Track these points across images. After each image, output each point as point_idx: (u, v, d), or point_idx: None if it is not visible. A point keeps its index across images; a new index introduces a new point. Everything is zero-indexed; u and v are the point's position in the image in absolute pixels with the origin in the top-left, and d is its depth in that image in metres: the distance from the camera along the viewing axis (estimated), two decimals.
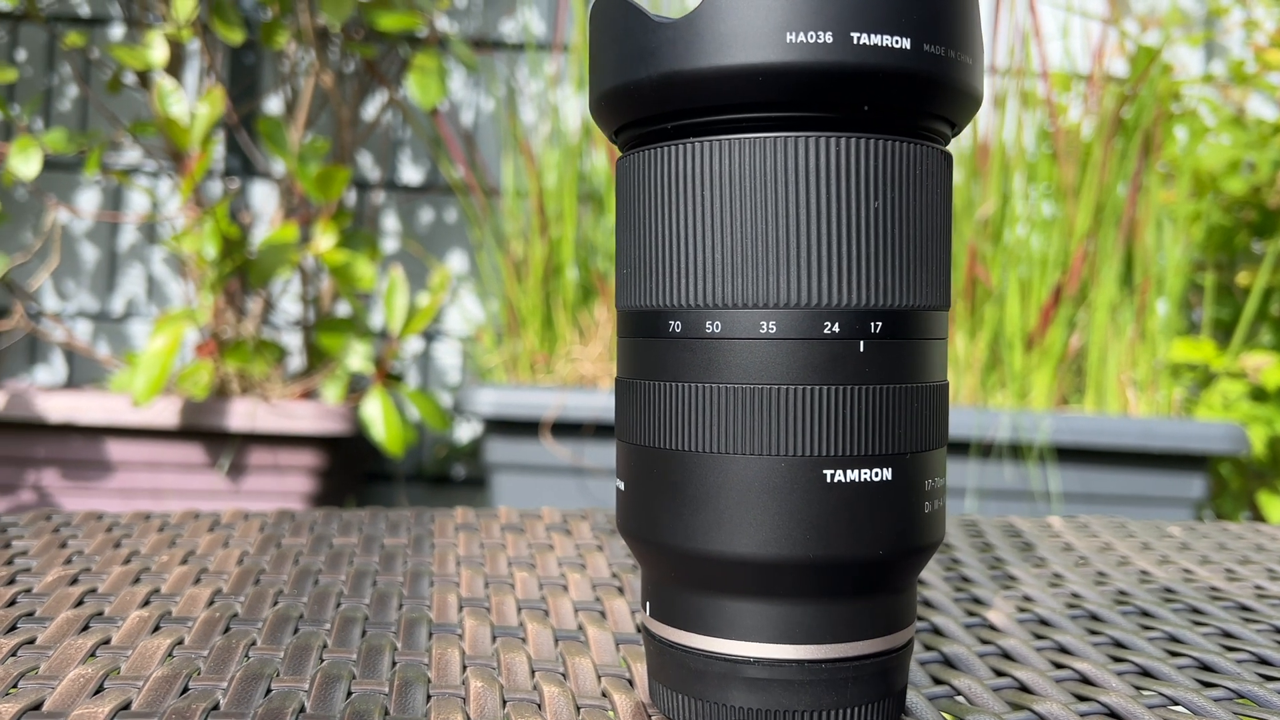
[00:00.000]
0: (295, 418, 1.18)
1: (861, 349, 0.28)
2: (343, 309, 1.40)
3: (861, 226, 0.28)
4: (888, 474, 0.28)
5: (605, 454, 1.10)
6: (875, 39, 0.27)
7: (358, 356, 1.21)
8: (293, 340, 1.46)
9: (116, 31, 1.51)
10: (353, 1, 1.18)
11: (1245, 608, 0.44)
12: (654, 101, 0.29)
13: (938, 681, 0.35)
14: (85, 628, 0.37)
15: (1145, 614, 0.43)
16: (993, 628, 0.40)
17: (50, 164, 1.41)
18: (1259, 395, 1.23)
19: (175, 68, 1.26)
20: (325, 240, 1.20)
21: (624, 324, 0.31)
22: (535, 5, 1.53)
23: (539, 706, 0.32)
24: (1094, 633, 0.40)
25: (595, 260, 1.27)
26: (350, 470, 1.40)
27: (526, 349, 1.24)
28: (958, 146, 1.23)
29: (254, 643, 0.36)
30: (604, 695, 0.33)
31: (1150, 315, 1.20)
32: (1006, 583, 0.47)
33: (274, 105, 1.50)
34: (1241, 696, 0.34)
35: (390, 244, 1.54)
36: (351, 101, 1.36)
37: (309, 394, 1.26)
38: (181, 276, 1.35)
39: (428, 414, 1.22)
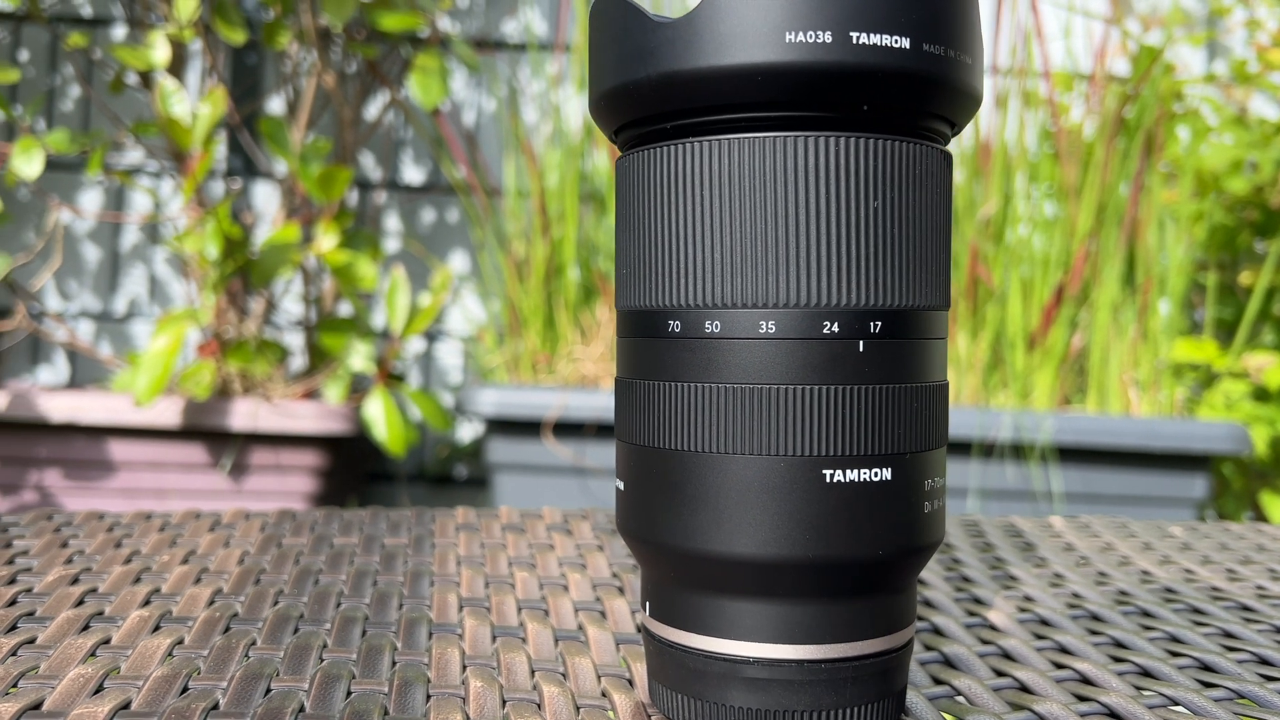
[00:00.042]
0: (297, 418, 1.18)
1: (861, 349, 0.28)
2: (345, 309, 1.40)
3: (861, 226, 0.28)
4: (887, 474, 0.28)
5: (607, 454, 1.10)
6: (874, 39, 0.27)
7: (360, 356, 1.21)
8: (295, 340, 1.46)
9: (119, 32, 1.51)
10: (355, 2, 1.18)
11: (1246, 608, 0.44)
12: (653, 101, 0.29)
13: (938, 681, 0.35)
14: (85, 627, 0.37)
15: (1146, 614, 0.43)
16: (993, 628, 0.40)
17: (53, 164, 1.42)
18: (1261, 395, 1.23)
19: (177, 68, 1.26)
20: (327, 240, 1.20)
21: (623, 324, 0.31)
22: (537, 5, 1.53)
23: (539, 706, 0.32)
24: (1095, 633, 0.40)
25: (597, 260, 1.27)
26: (352, 470, 1.40)
27: (528, 349, 1.24)
28: (959, 146, 1.23)
29: (254, 642, 0.36)
30: (604, 695, 0.33)
31: (1152, 315, 1.20)
32: (1007, 583, 0.47)
33: (276, 105, 1.50)
34: (1242, 697, 0.34)
35: (392, 244, 1.54)
36: (353, 102, 1.36)
37: (311, 394, 1.26)
38: (183, 276, 1.36)
39: (429, 414, 1.22)
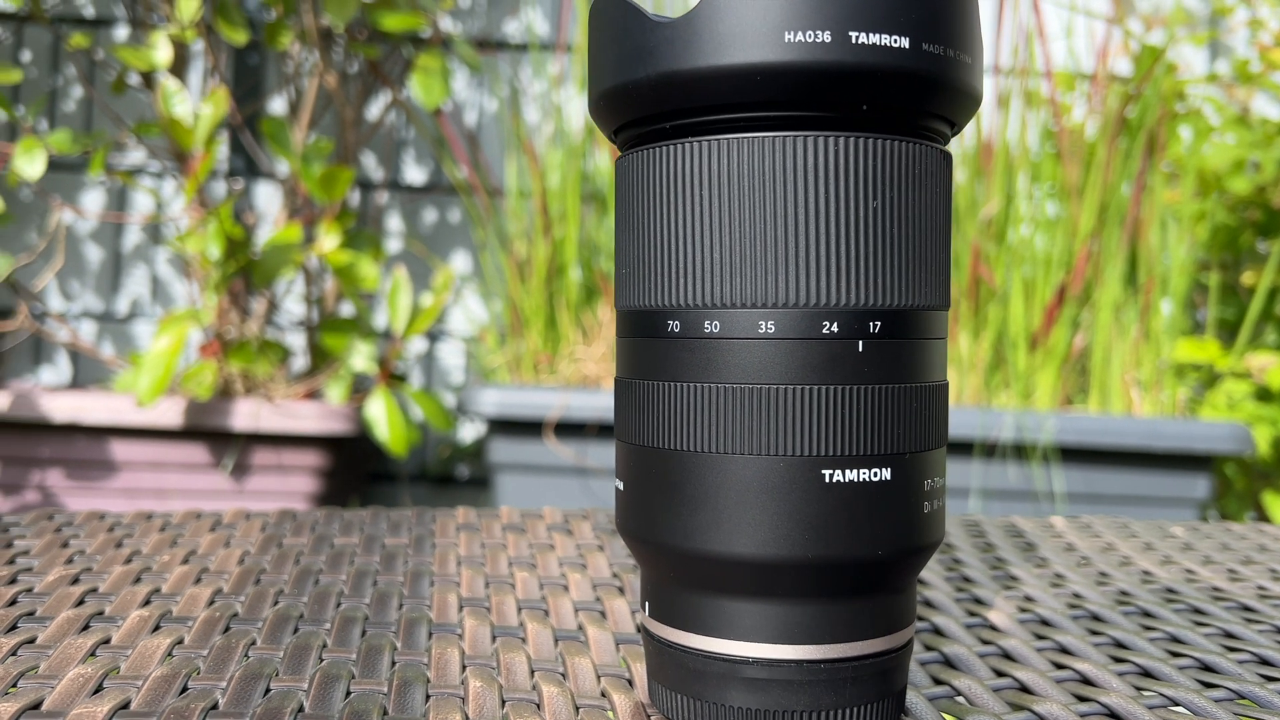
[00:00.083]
0: (299, 418, 1.18)
1: (860, 349, 0.28)
2: (346, 309, 1.40)
3: (860, 226, 0.28)
4: (887, 474, 0.28)
5: (608, 454, 1.09)
6: (874, 38, 0.27)
7: (361, 357, 1.22)
8: (296, 340, 1.46)
9: (121, 32, 1.51)
10: (356, 2, 1.18)
11: (1247, 608, 0.44)
12: (652, 101, 0.29)
13: (938, 682, 0.35)
14: (85, 627, 0.37)
15: (1147, 614, 0.43)
16: (994, 628, 0.40)
17: (55, 164, 1.42)
18: (1264, 395, 1.23)
19: (179, 68, 1.26)
20: (329, 240, 1.20)
21: (623, 324, 0.31)
22: (539, 5, 1.53)
23: (538, 706, 0.32)
24: (1095, 633, 0.40)
25: (598, 260, 1.27)
26: (354, 470, 1.41)
27: (530, 349, 1.24)
28: (961, 146, 1.23)
29: (254, 642, 0.36)
30: (603, 695, 0.33)
31: (1155, 315, 1.19)
32: (1008, 583, 0.47)
33: (278, 106, 1.50)
34: (1243, 697, 0.33)
35: (394, 244, 1.54)
36: (355, 102, 1.36)
37: (313, 394, 1.26)
38: (185, 277, 1.36)
39: (431, 414, 1.22)
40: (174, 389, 1.20)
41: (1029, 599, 0.44)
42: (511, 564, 0.47)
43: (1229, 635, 0.40)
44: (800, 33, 0.26)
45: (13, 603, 0.39)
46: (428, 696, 0.32)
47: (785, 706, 0.29)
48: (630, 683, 0.34)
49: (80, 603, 0.39)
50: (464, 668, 0.34)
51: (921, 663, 0.36)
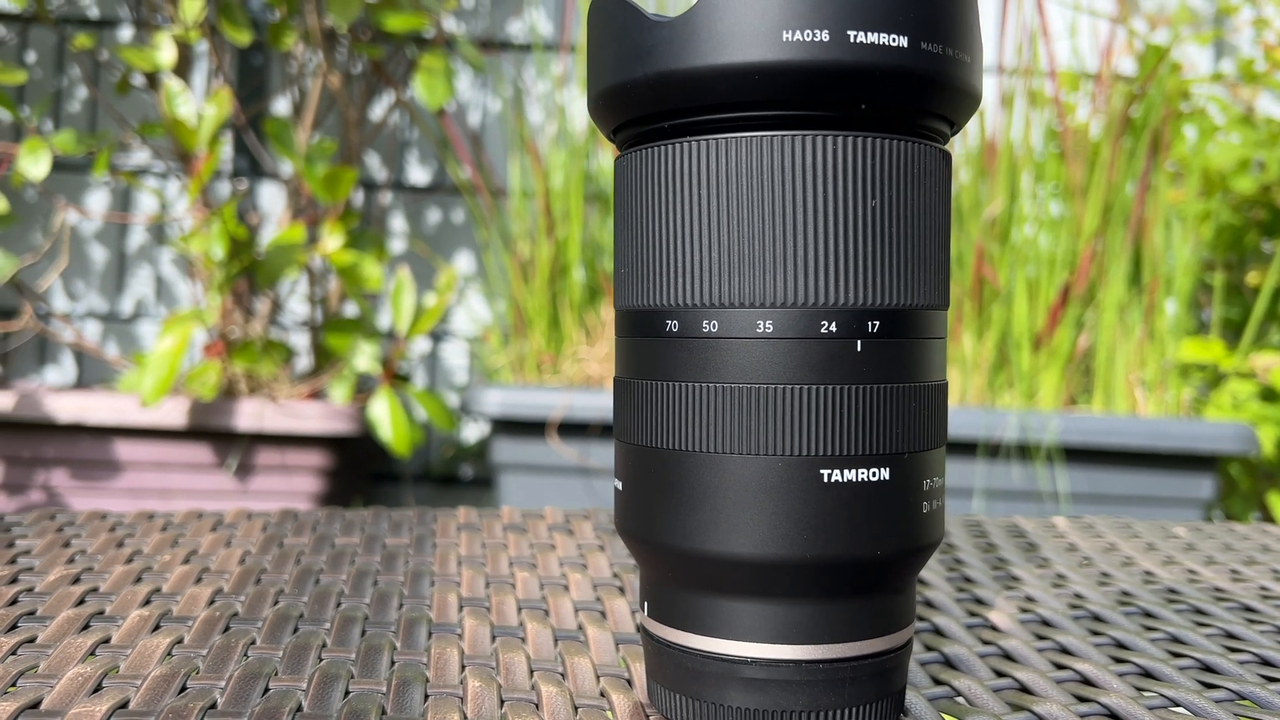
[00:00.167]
0: (303, 418, 1.18)
1: (859, 348, 0.28)
2: (350, 309, 1.40)
3: (859, 226, 0.27)
4: (885, 474, 0.28)
5: (611, 454, 1.09)
6: (872, 37, 0.27)
7: (365, 357, 1.22)
8: (300, 341, 1.47)
9: (125, 33, 1.51)
10: (360, 2, 1.18)
11: (1249, 609, 0.44)
12: (650, 100, 0.28)
13: (938, 682, 0.35)
14: (86, 627, 0.37)
15: (1148, 615, 0.42)
16: (994, 628, 0.40)
17: (59, 165, 1.42)
18: (1269, 395, 1.22)
19: (183, 69, 1.26)
20: (332, 241, 1.21)
21: (622, 323, 0.31)
22: (542, 6, 1.53)
23: (537, 706, 0.32)
24: (1096, 633, 0.40)
25: (602, 260, 1.27)
26: (357, 470, 1.41)
27: (533, 349, 1.24)
28: (965, 146, 1.23)
29: (253, 642, 0.36)
30: (602, 695, 0.33)
31: (1159, 315, 1.19)
32: (1009, 583, 0.47)
33: (281, 106, 1.50)
34: (1243, 698, 0.33)
35: (397, 244, 1.54)
36: (359, 102, 1.36)
37: (316, 394, 1.27)
38: (189, 277, 1.36)
39: (435, 414, 1.22)
40: (178, 389, 1.20)
41: (1030, 599, 0.44)
42: (512, 564, 0.47)
43: (1230, 636, 0.40)
44: (798, 32, 0.26)
45: (13, 602, 0.39)
46: (426, 696, 0.32)
47: (784, 706, 0.29)
48: (629, 683, 0.34)
49: (81, 602, 0.39)
50: (463, 668, 0.34)
51: (921, 663, 0.36)
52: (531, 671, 0.34)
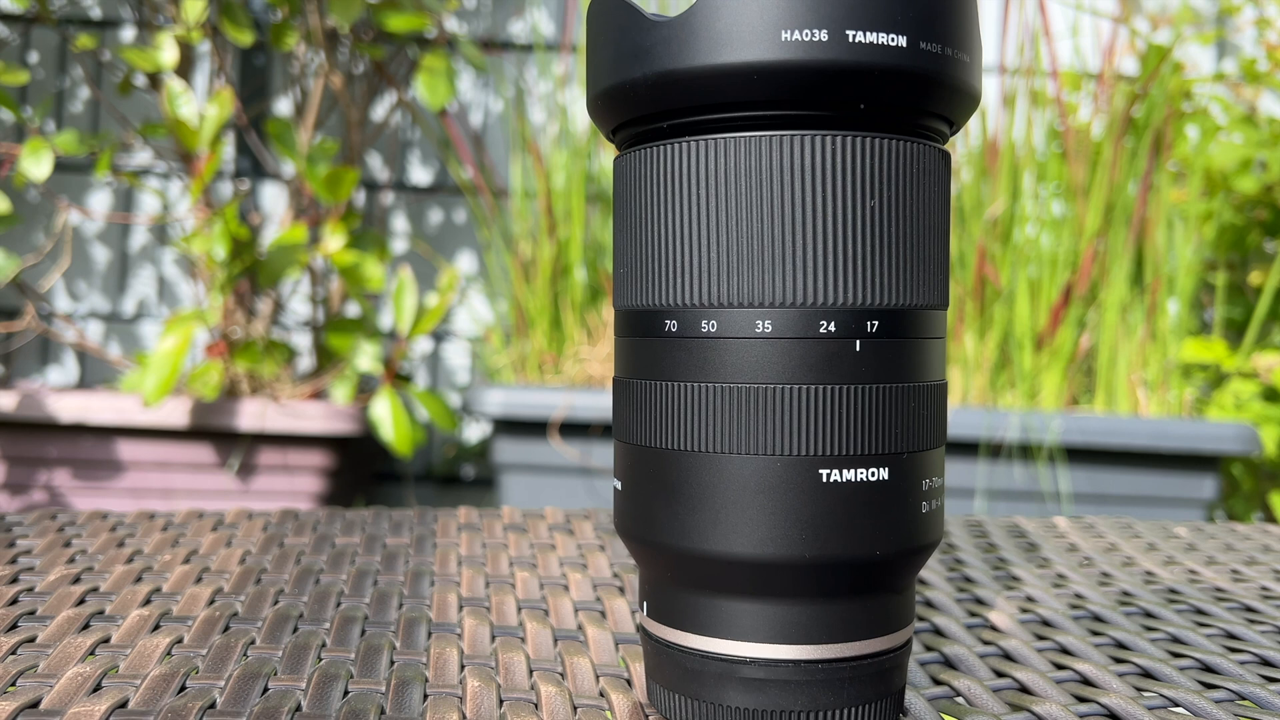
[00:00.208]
0: (304, 418, 1.18)
1: (858, 348, 0.28)
2: (352, 309, 1.40)
3: (858, 225, 0.27)
4: (884, 474, 0.28)
5: (612, 454, 1.09)
6: (871, 37, 0.26)
7: (367, 357, 1.22)
8: (302, 341, 1.47)
9: (127, 34, 1.52)
10: (362, 3, 1.18)
11: (1250, 609, 0.43)
12: (649, 100, 0.28)
13: (937, 682, 0.35)
14: (85, 626, 0.37)
15: (1148, 615, 0.42)
16: (994, 628, 0.40)
17: (61, 165, 1.42)
18: (1271, 395, 1.22)
19: (185, 69, 1.26)
20: (334, 241, 1.21)
21: (621, 323, 0.31)
22: (544, 6, 1.53)
23: (536, 706, 0.32)
24: (1096, 634, 0.40)
25: (603, 261, 1.27)
26: (359, 470, 1.41)
27: (535, 349, 1.24)
28: (967, 146, 1.23)
29: (253, 642, 0.36)
30: (601, 695, 0.33)
31: (1161, 315, 1.19)
32: (1009, 583, 0.47)
33: (283, 106, 1.50)
34: (1243, 698, 0.33)
35: (399, 245, 1.54)
36: (360, 102, 1.36)
37: (318, 394, 1.27)
38: (191, 277, 1.36)
39: (436, 414, 1.22)
40: (180, 389, 1.20)
41: (1030, 599, 0.44)
42: (512, 564, 0.47)
43: (1231, 636, 0.40)
44: (797, 31, 0.26)
45: (13, 602, 0.39)
46: (425, 696, 0.32)
47: (783, 706, 0.29)
48: (629, 683, 0.34)
49: (81, 602, 0.39)
50: (462, 667, 0.34)
51: (921, 663, 0.36)
52: (531, 671, 0.34)
